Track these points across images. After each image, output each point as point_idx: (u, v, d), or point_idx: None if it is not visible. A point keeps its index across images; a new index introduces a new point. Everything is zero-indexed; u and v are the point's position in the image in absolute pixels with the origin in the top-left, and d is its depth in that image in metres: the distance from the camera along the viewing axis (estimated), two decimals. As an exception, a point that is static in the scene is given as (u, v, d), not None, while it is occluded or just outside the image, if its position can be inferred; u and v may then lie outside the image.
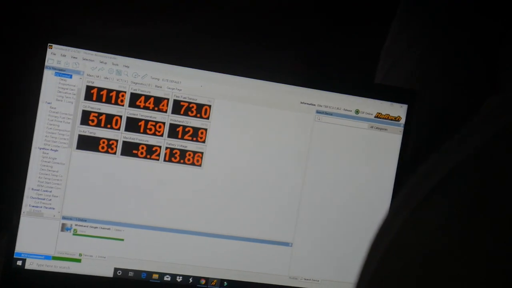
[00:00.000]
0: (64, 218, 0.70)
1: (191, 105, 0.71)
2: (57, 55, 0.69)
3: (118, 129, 0.70)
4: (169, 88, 0.71)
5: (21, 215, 0.70)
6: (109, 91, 0.70)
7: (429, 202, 0.40)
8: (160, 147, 0.71)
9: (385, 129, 0.73)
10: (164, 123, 0.71)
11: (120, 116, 0.70)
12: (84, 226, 0.70)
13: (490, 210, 0.37)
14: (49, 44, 0.69)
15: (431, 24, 0.76)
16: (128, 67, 0.70)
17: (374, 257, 0.43)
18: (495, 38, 0.73)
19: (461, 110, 0.73)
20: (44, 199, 0.70)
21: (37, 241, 0.70)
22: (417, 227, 0.39)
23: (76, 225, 0.70)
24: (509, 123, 0.40)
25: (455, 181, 0.39)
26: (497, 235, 0.35)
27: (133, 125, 0.70)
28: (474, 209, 0.37)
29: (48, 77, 0.69)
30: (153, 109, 0.70)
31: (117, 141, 0.70)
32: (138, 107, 0.70)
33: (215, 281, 0.73)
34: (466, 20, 0.74)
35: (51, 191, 0.70)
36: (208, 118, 0.71)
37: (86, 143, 0.70)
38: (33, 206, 0.70)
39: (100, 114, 0.70)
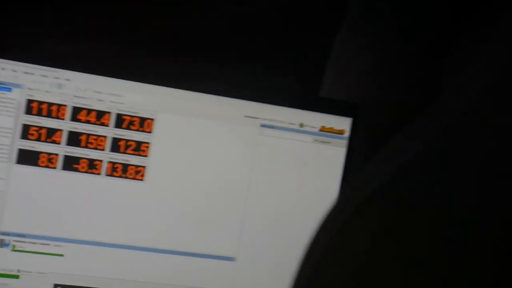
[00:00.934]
0: (2, 233, 0.69)
1: (133, 119, 0.70)
2: (-3, 68, 0.68)
3: (59, 143, 0.69)
4: (111, 101, 0.70)
5: (-41, 231, 0.68)
6: (50, 104, 0.69)
7: (360, 214, 0.39)
8: (102, 161, 0.70)
9: (329, 142, 0.73)
10: (106, 137, 0.70)
11: (61, 130, 0.69)
12: (23, 241, 0.69)
13: (422, 218, 0.36)
14: (-12, 57, 0.68)
15: (375, 37, 0.76)
16: (69, 80, 0.69)
17: (308, 266, 0.42)
18: (438, 51, 0.73)
19: (405, 123, 0.73)
20: (-18, 214, 0.68)
21: (-25, 258, 0.69)
22: (345, 239, 0.39)
23: (14, 240, 0.69)
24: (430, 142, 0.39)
25: (385, 192, 0.39)
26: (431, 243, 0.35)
27: (74, 139, 0.69)
28: (405, 220, 0.37)
29: (-13, 90, 0.68)
30: (95, 123, 0.70)
31: (58, 155, 0.69)
32: (80, 120, 0.70)
33: (158, 297, 0.72)
34: (409, 33, 0.75)
35: (-11, 206, 0.69)
36: (151, 132, 0.71)
37: (26, 158, 0.69)
38: (-29, 222, 0.68)
39: (41, 128, 0.69)
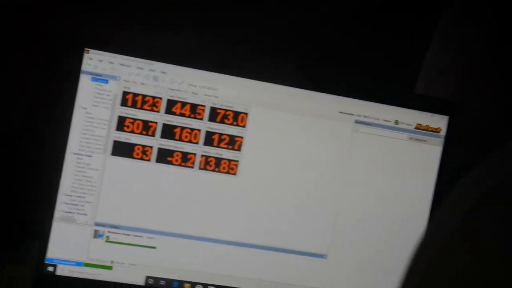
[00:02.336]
0: (96, 224, 0.69)
1: (227, 113, 0.70)
2: (94, 60, 0.69)
3: (154, 135, 0.69)
4: (206, 95, 0.70)
5: (54, 221, 0.69)
6: (145, 97, 0.69)
7: (468, 226, 0.38)
8: (195, 154, 0.70)
9: (425, 141, 0.72)
10: (200, 131, 0.70)
11: (156, 123, 0.69)
12: (117, 233, 0.70)
13: None
14: (86, 49, 0.68)
15: (475, 35, 0.74)
16: (165, 73, 0.69)
17: (416, 273, 0.41)
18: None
19: (503, 125, 0.72)
20: (77, 204, 0.69)
21: (69, 247, 0.69)
22: (454, 250, 0.38)
23: (108, 232, 0.69)
24: None
25: (492, 204, 0.38)
26: None
27: (168, 132, 0.69)
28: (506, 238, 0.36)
29: (84, 82, 0.68)
30: (189, 116, 0.70)
31: (152, 147, 0.69)
32: (174, 113, 0.69)
33: (247, 292, 0.71)
34: (509, 33, 0.72)
35: (84, 197, 0.69)
36: (244, 126, 0.70)
37: (121, 149, 0.69)
38: (66, 212, 0.69)
39: (136, 120, 0.69)
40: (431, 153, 0.72)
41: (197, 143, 0.70)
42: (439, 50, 0.76)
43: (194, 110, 0.70)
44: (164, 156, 0.70)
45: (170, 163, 0.70)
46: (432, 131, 0.72)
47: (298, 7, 0.75)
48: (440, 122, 0.72)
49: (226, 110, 0.70)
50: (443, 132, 0.72)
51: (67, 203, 0.69)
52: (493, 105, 0.73)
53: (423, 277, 0.41)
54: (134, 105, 0.69)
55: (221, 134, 0.70)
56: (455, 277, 0.37)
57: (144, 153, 0.69)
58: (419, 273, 0.40)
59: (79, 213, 0.69)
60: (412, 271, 0.41)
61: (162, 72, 0.69)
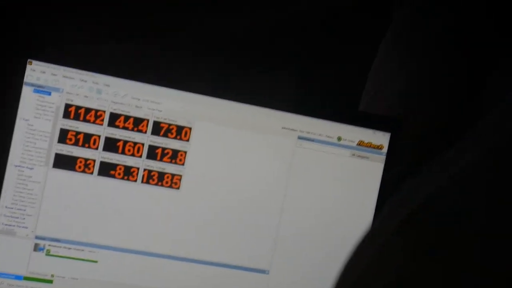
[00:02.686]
0: (37, 237, 0.69)
1: (171, 127, 0.70)
2: (37, 72, 0.68)
3: (96, 148, 0.69)
4: (150, 108, 0.70)
5: (-6, 233, 0.68)
6: (88, 109, 0.69)
7: (402, 230, 0.39)
8: (138, 168, 0.70)
9: (367, 157, 0.72)
10: (143, 144, 0.70)
11: (99, 136, 0.69)
12: (58, 246, 0.69)
13: (458, 243, 0.36)
14: (29, 60, 0.68)
15: (416, 51, 0.75)
16: (108, 86, 0.69)
17: (346, 284, 0.42)
18: (480, 67, 0.73)
19: (444, 140, 0.73)
20: (17, 217, 0.68)
21: (9, 260, 0.69)
22: (386, 258, 0.38)
23: (49, 245, 0.69)
24: (488, 150, 0.39)
25: (425, 213, 0.39)
26: (469, 265, 0.34)
27: (111, 145, 0.69)
28: (447, 239, 0.37)
29: (26, 93, 0.68)
30: (132, 130, 0.69)
31: (94, 161, 0.69)
32: (117, 127, 0.69)
33: (189, 306, 0.71)
34: (450, 49, 0.74)
35: (25, 210, 0.68)
36: (188, 140, 0.70)
37: (63, 162, 0.69)
38: (6, 225, 0.68)
39: (78, 133, 0.69)
40: (373, 170, 0.72)
41: (140, 156, 0.70)
42: (381, 66, 0.77)
43: (137, 124, 0.69)
44: (107, 170, 0.69)
45: (112, 176, 0.69)
46: (374, 147, 0.72)
47: (242, 19, 0.76)
48: (382, 138, 0.72)
49: (170, 124, 0.70)
50: (385, 149, 0.72)
51: (7, 216, 0.68)
52: (433, 120, 0.74)
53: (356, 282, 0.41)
54: (76, 118, 0.69)
55: (164, 148, 0.70)
56: (388, 285, 0.38)
57: (86, 166, 0.69)
58: (352, 277, 0.41)
59: (19, 226, 0.69)
60: (345, 276, 0.42)
61: (106, 85, 0.69)
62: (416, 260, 0.37)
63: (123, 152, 0.69)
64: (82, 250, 0.69)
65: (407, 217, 0.39)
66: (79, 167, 0.69)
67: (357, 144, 0.72)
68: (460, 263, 0.35)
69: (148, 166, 0.70)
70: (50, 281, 0.69)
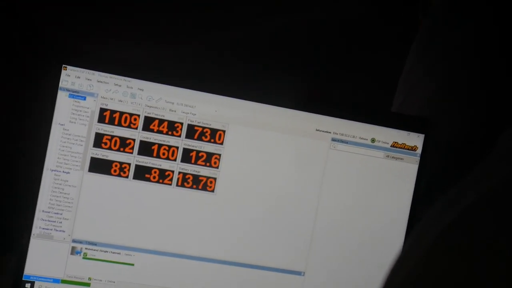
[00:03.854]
0: (74, 241, 0.69)
1: (205, 130, 0.70)
2: (72, 77, 0.69)
3: (131, 152, 0.69)
4: (183, 112, 0.70)
5: (31, 237, 0.69)
6: (123, 114, 0.69)
7: (443, 242, 0.39)
8: (173, 171, 0.70)
9: (401, 159, 0.72)
10: (177, 148, 0.70)
11: (134, 140, 0.69)
12: (94, 250, 0.70)
13: (504, 251, 0.36)
14: (63, 65, 0.68)
15: (449, 52, 0.75)
16: (142, 90, 0.69)
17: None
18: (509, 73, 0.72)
19: (478, 141, 0.72)
20: (54, 221, 0.69)
21: (47, 264, 0.69)
22: (431, 265, 0.38)
23: (86, 248, 0.70)
24: None
25: (468, 222, 0.39)
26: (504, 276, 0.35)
27: (146, 148, 0.70)
28: (487, 249, 0.37)
29: (62, 98, 0.68)
30: (166, 133, 0.70)
31: (129, 164, 0.70)
32: (152, 130, 0.70)
33: (225, 308, 0.72)
34: (485, 50, 0.73)
35: (62, 214, 0.69)
36: (222, 143, 0.70)
37: (99, 166, 0.69)
38: (43, 228, 0.69)
39: (113, 137, 0.69)
40: (407, 171, 0.72)
41: (174, 160, 0.70)
42: (412, 68, 0.76)
43: (172, 127, 0.70)
44: (142, 173, 0.70)
45: (147, 180, 0.70)
46: (408, 149, 0.72)
47: (276, 23, 0.76)
48: (416, 140, 0.72)
49: (204, 128, 0.70)
50: (419, 150, 0.72)
51: (44, 220, 0.69)
52: (467, 121, 0.74)
53: None
54: (111, 122, 0.69)
55: (198, 151, 0.70)
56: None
57: (121, 170, 0.70)
58: (398, 280, 0.41)
59: (56, 230, 0.69)
60: (391, 279, 0.42)
61: (140, 89, 0.69)
62: (461, 264, 0.37)
63: (157, 156, 0.70)
64: (119, 253, 0.70)
65: (451, 223, 0.40)
66: (115, 170, 0.69)
67: (391, 146, 0.72)
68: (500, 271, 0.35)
69: (182, 169, 0.70)
70: (88, 284, 0.70)
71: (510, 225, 0.37)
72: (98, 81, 0.69)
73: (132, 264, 0.70)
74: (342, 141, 0.72)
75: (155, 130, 0.70)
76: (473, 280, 0.36)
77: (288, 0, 0.76)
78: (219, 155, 0.70)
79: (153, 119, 0.70)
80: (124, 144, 0.69)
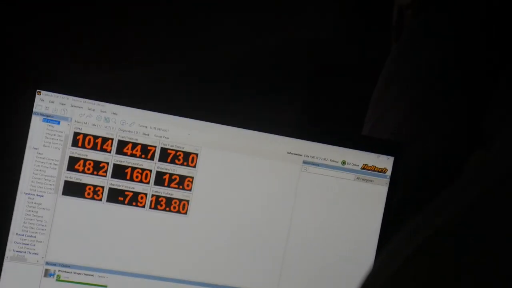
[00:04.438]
0: (47, 263, 0.70)
1: (178, 153, 0.71)
2: (46, 101, 0.69)
3: (105, 176, 0.70)
4: (157, 136, 0.71)
5: (4, 260, 0.69)
6: (96, 137, 0.70)
7: (409, 265, 0.40)
8: (146, 194, 0.71)
9: (371, 181, 0.74)
10: (150, 171, 0.71)
11: (107, 163, 0.70)
12: (68, 272, 0.70)
13: (468, 278, 0.37)
14: (37, 90, 0.69)
15: (417, 77, 0.76)
16: (116, 114, 0.70)
17: None
18: (481, 93, 0.74)
19: (448, 164, 0.74)
20: (28, 244, 0.70)
21: (20, 286, 0.70)
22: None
23: (59, 270, 0.70)
24: (491, 185, 0.40)
25: (431, 249, 0.40)
26: None
27: (119, 172, 0.70)
28: (452, 277, 0.38)
29: (36, 123, 0.69)
30: (140, 157, 0.71)
31: (103, 187, 0.70)
32: (125, 154, 0.70)
33: (198, 329, 0.73)
34: (452, 75, 0.75)
35: (35, 236, 0.70)
36: (194, 166, 0.71)
37: (72, 189, 0.70)
38: (16, 251, 0.69)
39: (87, 160, 0.70)
40: (377, 193, 0.74)
41: (147, 183, 0.71)
42: (383, 91, 0.78)
43: (145, 151, 0.71)
44: (115, 196, 0.70)
45: (121, 202, 0.71)
46: (378, 171, 0.73)
47: (246, 45, 0.77)
48: (385, 162, 0.73)
49: (177, 151, 0.71)
50: (388, 173, 0.74)
51: (18, 243, 0.69)
52: (436, 144, 0.75)
53: None
54: (85, 146, 0.70)
55: (171, 174, 0.71)
56: None
57: (95, 193, 0.70)
58: None
59: (30, 252, 0.70)
60: None
61: (113, 113, 0.70)
62: None
63: (131, 179, 0.71)
64: (92, 275, 0.71)
65: (416, 249, 0.40)
66: (88, 194, 0.70)
67: (361, 168, 0.73)
68: None
69: (156, 192, 0.71)
70: (61, 307, 0.70)
71: (476, 250, 0.38)
72: (72, 106, 0.70)
73: (106, 286, 0.71)
74: (313, 164, 0.73)
75: (128, 154, 0.71)
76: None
77: (256, 24, 0.77)
78: (192, 177, 0.71)
79: (126, 143, 0.70)
80: (97, 167, 0.70)
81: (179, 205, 0.71)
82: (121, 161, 0.70)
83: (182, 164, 0.71)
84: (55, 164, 0.70)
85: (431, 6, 0.79)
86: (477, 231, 0.39)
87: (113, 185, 0.70)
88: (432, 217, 0.42)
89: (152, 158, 0.71)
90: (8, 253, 0.69)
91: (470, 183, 0.42)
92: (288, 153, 0.72)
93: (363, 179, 0.73)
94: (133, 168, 0.71)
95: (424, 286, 0.39)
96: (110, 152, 0.70)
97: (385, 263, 0.43)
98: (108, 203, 0.70)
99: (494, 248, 0.38)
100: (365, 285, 0.43)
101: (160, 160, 0.71)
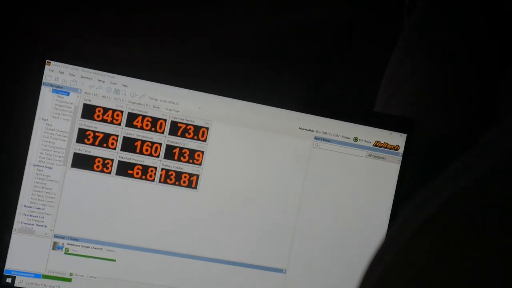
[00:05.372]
0: (56, 236, 0.69)
1: (188, 127, 0.70)
2: (55, 72, 0.68)
3: (114, 148, 0.70)
4: (167, 109, 0.70)
5: (13, 232, 0.69)
6: (106, 109, 0.69)
7: (423, 233, 0.40)
8: (155, 168, 0.70)
9: (383, 158, 0.73)
10: (160, 144, 0.70)
11: (117, 136, 0.70)
12: (76, 245, 0.70)
13: (484, 241, 0.37)
14: (47, 60, 0.68)
15: (431, 54, 0.75)
16: (126, 86, 0.69)
17: (367, 285, 0.42)
18: (495, 70, 0.73)
19: (460, 141, 0.73)
20: (36, 216, 0.69)
21: (28, 259, 0.69)
22: (411, 257, 0.39)
23: (68, 244, 0.70)
24: (505, 155, 0.40)
25: (448, 213, 0.39)
26: (490, 267, 0.35)
27: (129, 145, 0.70)
28: (467, 241, 0.37)
29: (45, 93, 0.68)
30: (150, 130, 0.70)
31: (112, 160, 0.70)
32: (135, 127, 0.70)
33: (206, 305, 0.72)
34: (466, 51, 0.74)
35: (43, 209, 0.69)
36: (205, 140, 0.71)
37: (81, 162, 0.69)
38: (25, 223, 0.69)
39: (96, 132, 0.69)
40: (389, 170, 0.73)
41: (157, 156, 0.70)
42: (396, 68, 0.77)
43: (155, 124, 0.70)
44: (125, 169, 0.70)
45: (130, 176, 0.70)
46: (391, 148, 0.73)
47: (261, 22, 0.76)
48: (398, 139, 0.73)
49: (187, 124, 0.70)
50: (401, 150, 0.73)
51: (26, 215, 0.69)
52: (449, 121, 0.74)
53: None
54: (94, 118, 0.69)
55: (181, 148, 0.70)
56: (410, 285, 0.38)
57: (104, 165, 0.70)
58: (375, 277, 0.42)
59: (38, 225, 0.69)
60: (368, 276, 0.42)
61: (123, 85, 0.69)
62: (437, 260, 0.38)
63: (141, 152, 0.70)
64: (100, 249, 0.70)
65: (427, 218, 0.40)
66: (97, 166, 0.69)
67: (373, 145, 0.72)
68: (480, 265, 0.35)
69: (165, 165, 0.70)
70: (69, 280, 0.70)
71: (484, 220, 0.38)
72: (82, 77, 0.69)
73: (114, 260, 0.70)
74: (325, 140, 0.72)
75: (138, 127, 0.70)
76: (452, 273, 0.37)
77: (274, 2, 0.76)
78: (202, 152, 0.71)
79: (136, 115, 0.70)
80: (107, 140, 0.69)
81: (189, 180, 0.70)
82: (130, 134, 0.70)
83: (192, 138, 0.70)
84: (64, 136, 0.69)
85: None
86: (490, 202, 0.38)
87: (122, 158, 0.70)
88: (445, 185, 0.41)
89: (162, 131, 0.70)
90: (17, 225, 0.69)
91: (484, 153, 0.41)
92: (299, 128, 0.72)
93: (375, 156, 0.73)
94: (143, 141, 0.70)
95: (436, 255, 0.38)
96: (119, 124, 0.69)
97: (398, 231, 0.43)
98: (118, 176, 0.70)
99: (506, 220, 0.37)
100: (379, 254, 0.43)
101: (170, 133, 0.70)
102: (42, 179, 0.69)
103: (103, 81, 0.69)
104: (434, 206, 0.40)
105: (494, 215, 0.37)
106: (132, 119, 0.70)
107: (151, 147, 0.70)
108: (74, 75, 0.69)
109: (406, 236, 0.40)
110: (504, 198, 0.37)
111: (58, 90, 0.69)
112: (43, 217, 0.69)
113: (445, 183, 0.41)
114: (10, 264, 0.69)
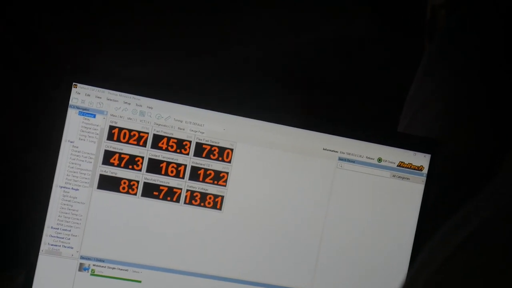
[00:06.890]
0: (82, 257, 0.70)
1: (213, 148, 0.71)
2: (82, 95, 0.69)
3: (140, 170, 0.70)
4: (192, 130, 0.71)
5: (40, 253, 0.69)
6: (132, 131, 0.70)
7: (450, 264, 0.40)
8: (181, 189, 0.71)
9: (408, 178, 0.73)
10: (185, 166, 0.71)
11: (142, 157, 0.70)
12: (102, 266, 0.70)
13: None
14: (74, 83, 0.69)
15: (456, 73, 0.75)
16: (151, 108, 0.70)
17: None
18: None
19: (485, 162, 0.73)
20: (63, 238, 0.70)
21: (54, 280, 0.70)
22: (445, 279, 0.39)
23: (94, 265, 0.70)
24: None
25: (475, 244, 0.39)
26: None
27: (154, 166, 0.70)
28: (495, 270, 0.37)
29: (71, 116, 0.69)
30: (175, 151, 0.70)
31: (138, 182, 0.70)
32: (160, 148, 0.70)
33: (231, 326, 0.72)
34: (491, 71, 0.74)
35: (70, 230, 0.70)
36: (230, 161, 0.71)
37: (107, 183, 0.70)
38: (51, 245, 0.69)
39: (122, 154, 0.70)
40: (413, 191, 0.73)
41: (182, 177, 0.71)
42: (419, 88, 0.77)
43: (180, 145, 0.70)
44: (150, 191, 0.70)
45: (155, 197, 0.70)
46: (415, 169, 0.73)
47: (284, 42, 0.77)
48: (422, 160, 0.73)
49: (212, 146, 0.71)
50: (425, 170, 0.73)
51: (53, 236, 0.69)
52: (473, 142, 0.74)
53: None
54: (120, 140, 0.70)
55: (206, 169, 0.71)
56: None
57: (130, 187, 0.70)
58: None
59: (65, 246, 0.70)
60: None
61: (149, 107, 0.70)
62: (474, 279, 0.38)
63: (166, 174, 0.70)
64: (126, 270, 0.70)
65: (456, 248, 0.40)
66: (123, 188, 0.70)
67: (397, 165, 0.73)
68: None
69: (190, 187, 0.71)
70: (95, 301, 0.70)
71: None
72: (108, 99, 0.70)
73: (140, 281, 0.71)
74: (349, 160, 0.72)
75: (163, 148, 0.70)
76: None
77: (296, 20, 0.77)
78: (227, 173, 0.71)
79: (161, 137, 0.70)
80: (133, 161, 0.70)
81: (213, 201, 0.71)
82: (156, 156, 0.70)
83: (217, 159, 0.71)
84: (91, 158, 0.70)
85: (464, 5, 0.78)
86: None
87: (148, 179, 0.70)
88: (473, 214, 0.42)
89: (187, 153, 0.70)
90: (43, 246, 0.69)
91: (509, 181, 0.41)
92: (323, 149, 0.72)
93: (399, 177, 0.73)
94: (168, 163, 0.70)
95: (474, 274, 0.38)
96: (145, 146, 0.70)
97: (428, 260, 0.43)
98: (143, 197, 0.70)
99: None
100: (418, 270, 0.43)
101: (195, 155, 0.71)
102: (69, 201, 0.70)
103: (129, 103, 0.70)
104: (461, 235, 0.40)
105: None
106: (157, 141, 0.70)
107: (176, 169, 0.71)
108: (100, 97, 0.70)
109: (437, 264, 0.40)
110: None
111: (85, 112, 0.69)
112: (69, 239, 0.70)
113: (470, 213, 0.41)
114: (37, 286, 0.70)
